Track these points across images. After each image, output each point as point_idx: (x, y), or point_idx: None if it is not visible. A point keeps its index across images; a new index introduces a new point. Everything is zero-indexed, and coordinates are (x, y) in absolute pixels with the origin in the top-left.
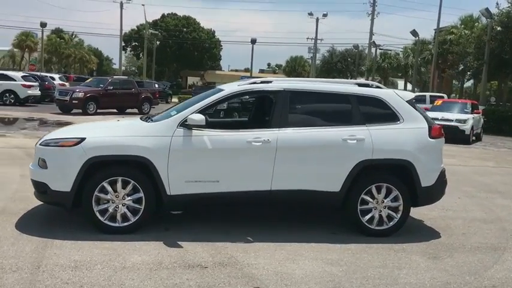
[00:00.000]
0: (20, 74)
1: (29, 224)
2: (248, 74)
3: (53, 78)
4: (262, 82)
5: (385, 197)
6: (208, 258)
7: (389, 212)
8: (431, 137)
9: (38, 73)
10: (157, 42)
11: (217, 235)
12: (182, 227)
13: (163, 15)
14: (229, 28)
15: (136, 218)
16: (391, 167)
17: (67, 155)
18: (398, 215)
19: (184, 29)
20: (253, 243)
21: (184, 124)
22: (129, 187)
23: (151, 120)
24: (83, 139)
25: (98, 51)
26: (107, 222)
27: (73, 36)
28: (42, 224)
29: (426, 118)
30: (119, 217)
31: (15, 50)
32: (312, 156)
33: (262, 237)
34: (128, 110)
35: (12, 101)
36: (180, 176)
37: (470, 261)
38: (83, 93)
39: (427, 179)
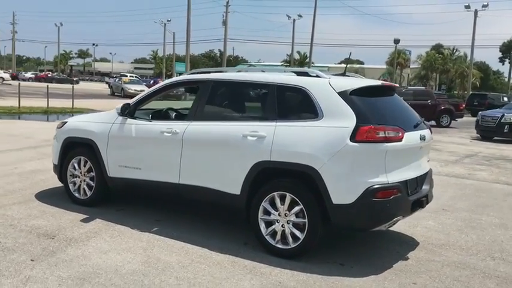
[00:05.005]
0: None
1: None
2: None
3: None
4: (200, 72)
5: (289, 210)
6: (72, 234)
7: (293, 229)
8: (354, 140)
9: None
10: None
11: (140, 221)
12: (137, 209)
13: None
14: None
15: (91, 193)
16: (295, 173)
17: (58, 134)
18: (303, 235)
19: None
20: (139, 233)
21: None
22: (88, 166)
23: None
24: (65, 123)
25: (485, 65)
26: (75, 194)
27: (454, 51)
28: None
29: (364, 115)
30: (81, 191)
31: (388, 67)
32: (213, 152)
33: (167, 232)
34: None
35: None
36: (115, 160)
37: None
38: None
39: (340, 195)
